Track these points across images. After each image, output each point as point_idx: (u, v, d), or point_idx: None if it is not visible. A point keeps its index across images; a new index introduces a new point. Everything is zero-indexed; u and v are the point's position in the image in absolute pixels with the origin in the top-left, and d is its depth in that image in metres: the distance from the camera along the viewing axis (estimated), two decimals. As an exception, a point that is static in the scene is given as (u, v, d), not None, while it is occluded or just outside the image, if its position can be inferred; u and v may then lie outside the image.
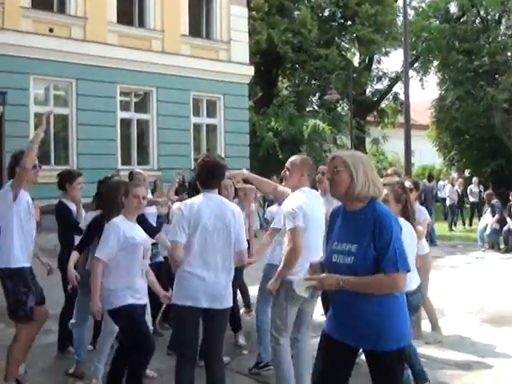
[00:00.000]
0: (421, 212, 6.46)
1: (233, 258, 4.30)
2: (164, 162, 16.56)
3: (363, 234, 3.20)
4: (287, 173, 4.86)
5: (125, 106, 16.71)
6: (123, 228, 4.67)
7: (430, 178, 19.12)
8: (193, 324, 4.23)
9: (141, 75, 16.21)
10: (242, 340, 6.56)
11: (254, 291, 6.39)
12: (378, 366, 3.25)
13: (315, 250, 4.52)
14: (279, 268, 4.59)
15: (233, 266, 4.35)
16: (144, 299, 4.81)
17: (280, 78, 26.70)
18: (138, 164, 16.31)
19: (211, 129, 18.73)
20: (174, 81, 16.79)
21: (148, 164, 16.75)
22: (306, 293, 3.33)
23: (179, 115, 17.14)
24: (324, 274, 3.28)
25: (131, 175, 7.16)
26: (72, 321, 5.60)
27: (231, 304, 4.36)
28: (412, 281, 4.57)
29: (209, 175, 4.32)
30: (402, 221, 4.34)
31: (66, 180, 6.07)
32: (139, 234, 4.82)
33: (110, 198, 5.09)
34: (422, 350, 5.79)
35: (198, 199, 4.29)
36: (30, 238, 5.05)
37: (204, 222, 4.16)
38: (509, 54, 27.55)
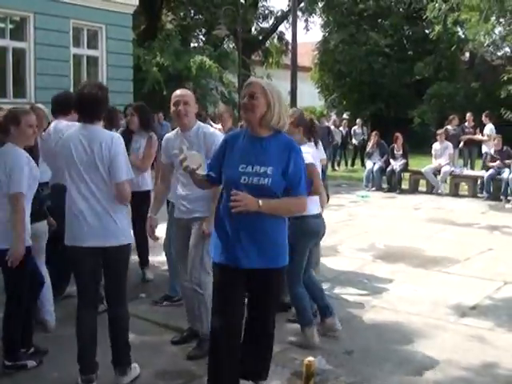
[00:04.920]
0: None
1: (111, 192, 3.87)
2: (42, 95, 15.40)
3: (278, 159, 3.38)
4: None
5: (-1, 33, 15.26)
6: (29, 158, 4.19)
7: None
8: (85, 264, 3.91)
9: (16, -2, 14.79)
10: (149, 274, 6.45)
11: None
12: (268, 282, 3.49)
13: None
14: None
15: (111, 201, 3.89)
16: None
17: (164, 11, 25.58)
18: (14, 97, 15.13)
19: (92, 61, 17.66)
20: (53, 6, 15.51)
21: (24, 97, 15.53)
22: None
23: (58, 45, 15.95)
24: (245, 194, 3.28)
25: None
26: None
27: (120, 242, 3.90)
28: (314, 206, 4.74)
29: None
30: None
31: None
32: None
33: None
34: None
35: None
36: None
37: (74, 155, 3.85)
38: (392, -2, 28.02)
